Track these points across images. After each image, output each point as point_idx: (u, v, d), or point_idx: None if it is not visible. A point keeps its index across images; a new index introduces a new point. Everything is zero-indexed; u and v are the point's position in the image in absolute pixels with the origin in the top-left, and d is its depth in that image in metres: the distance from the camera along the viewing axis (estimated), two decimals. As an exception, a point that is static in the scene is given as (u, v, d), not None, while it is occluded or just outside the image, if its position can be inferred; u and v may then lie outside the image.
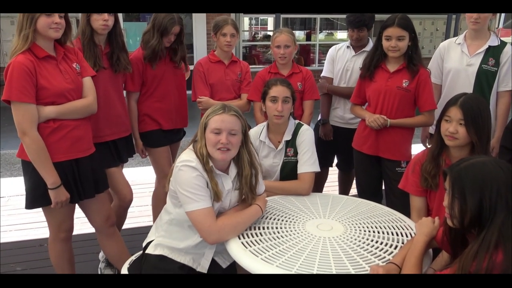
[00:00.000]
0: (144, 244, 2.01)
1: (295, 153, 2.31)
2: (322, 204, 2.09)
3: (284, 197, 2.18)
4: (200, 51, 8.94)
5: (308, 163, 2.26)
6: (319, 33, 10.83)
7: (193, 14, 9.04)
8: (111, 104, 2.46)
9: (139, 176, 4.40)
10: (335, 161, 3.41)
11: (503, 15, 11.64)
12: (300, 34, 11.57)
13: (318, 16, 10.44)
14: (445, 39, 2.94)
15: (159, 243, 1.92)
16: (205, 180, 1.76)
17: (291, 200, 2.14)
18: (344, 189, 3.41)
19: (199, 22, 9.07)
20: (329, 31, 11.77)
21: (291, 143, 2.33)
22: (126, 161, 2.72)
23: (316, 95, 2.94)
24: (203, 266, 1.88)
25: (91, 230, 2.76)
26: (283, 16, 9.47)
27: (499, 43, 2.65)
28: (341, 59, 3.10)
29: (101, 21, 2.29)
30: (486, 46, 2.64)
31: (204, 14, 9.07)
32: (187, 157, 1.77)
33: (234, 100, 2.87)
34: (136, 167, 4.91)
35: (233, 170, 1.89)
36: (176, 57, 2.77)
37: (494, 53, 2.63)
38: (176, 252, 1.88)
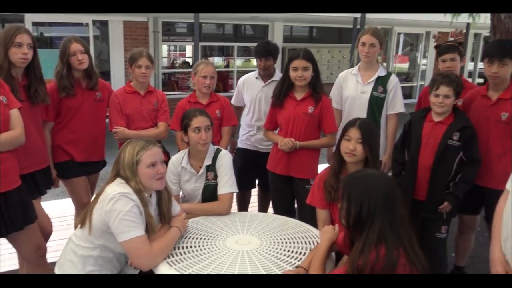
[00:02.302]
0: None
1: (215, 177, 2.49)
2: (241, 222, 2.29)
3: (206, 217, 2.34)
4: (117, 78, 8.84)
5: (227, 184, 2.45)
6: (237, 59, 11.27)
7: (110, 41, 8.95)
8: (29, 136, 2.44)
9: (54, 209, 4.25)
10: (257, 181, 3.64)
11: (401, 43, 13.03)
12: (219, 61, 11.92)
13: (236, 44, 10.89)
14: (350, 66, 3.34)
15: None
16: (140, 212, 1.87)
17: (212, 220, 2.31)
18: (263, 207, 3.65)
19: (116, 49, 8.98)
20: (247, 58, 12.28)
21: (211, 168, 2.51)
22: (44, 193, 2.71)
23: (233, 121, 3.18)
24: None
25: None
26: (201, 43, 9.74)
27: (386, 74, 3.10)
28: (252, 90, 3.38)
29: (20, 54, 2.32)
30: (375, 76, 3.06)
31: (122, 41, 9.02)
32: (123, 189, 1.85)
33: (150, 128, 2.99)
34: (49, 200, 4.71)
35: (153, 198, 2.02)
36: (94, 85, 2.84)
37: (382, 82, 3.06)
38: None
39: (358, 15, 8.58)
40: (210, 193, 2.49)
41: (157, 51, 9.42)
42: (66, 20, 8.41)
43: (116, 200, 1.81)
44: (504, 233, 1.70)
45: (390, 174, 2.95)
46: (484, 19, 5.37)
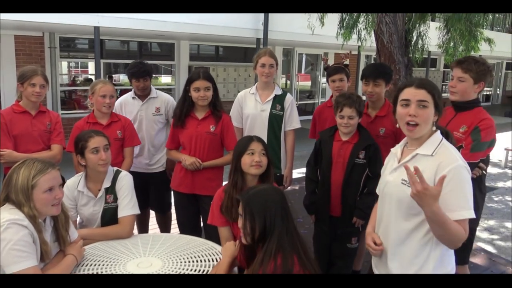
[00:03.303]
0: None
1: (115, 199, 2.42)
2: (143, 244, 2.24)
3: (105, 242, 2.26)
4: (8, 97, 8.10)
5: (128, 206, 2.38)
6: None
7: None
8: None
9: None
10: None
11: (303, 63, 13.81)
12: (124, 78, 11.56)
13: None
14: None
15: None
16: (33, 239, 1.75)
17: (113, 245, 2.23)
18: (164, 228, 3.57)
19: (7, 65, 8.26)
20: (154, 75, 12.08)
21: (111, 190, 2.42)
22: None
23: (136, 141, 3.11)
24: None
25: None
26: (104, 60, 9.38)
27: (282, 92, 3.28)
28: (131, 110, 3.36)
29: None
30: (273, 95, 3.23)
31: (13, 57, 8.33)
32: (13, 216, 1.72)
33: (43, 151, 2.82)
34: None
35: (48, 222, 1.91)
36: None
37: (279, 100, 3.24)
38: None
39: (261, 36, 8.94)
40: (110, 217, 2.40)
41: (54, 67, 8.87)
42: None
43: (5, 228, 1.69)
44: (376, 225, 1.92)
45: (297, 187, 3.10)
46: (370, 43, 5.98)
